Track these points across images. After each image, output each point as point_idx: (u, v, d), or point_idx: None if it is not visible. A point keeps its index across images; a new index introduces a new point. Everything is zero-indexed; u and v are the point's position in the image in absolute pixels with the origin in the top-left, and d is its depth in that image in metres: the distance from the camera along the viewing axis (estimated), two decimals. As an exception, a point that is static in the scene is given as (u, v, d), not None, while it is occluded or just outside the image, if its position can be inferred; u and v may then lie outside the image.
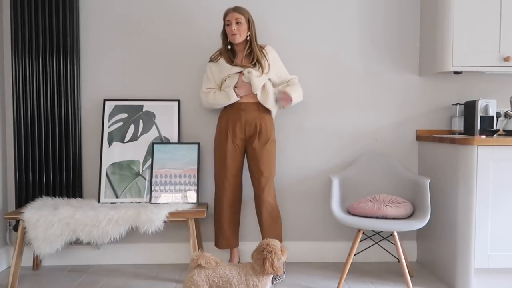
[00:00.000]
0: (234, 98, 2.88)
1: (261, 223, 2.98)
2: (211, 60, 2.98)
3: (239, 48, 2.92)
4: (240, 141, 2.93)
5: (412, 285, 2.73)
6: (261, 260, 2.18)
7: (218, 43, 3.17)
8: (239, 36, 2.83)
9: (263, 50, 2.92)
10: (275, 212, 2.97)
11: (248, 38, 2.88)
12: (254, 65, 2.87)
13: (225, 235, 3.01)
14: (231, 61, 2.90)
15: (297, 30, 3.21)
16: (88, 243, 2.83)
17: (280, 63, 3.00)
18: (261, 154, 2.91)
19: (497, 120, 3.07)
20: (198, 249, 2.88)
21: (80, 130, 3.17)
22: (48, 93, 3.08)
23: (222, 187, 2.96)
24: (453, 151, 2.79)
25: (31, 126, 3.08)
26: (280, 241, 3.00)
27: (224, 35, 2.91)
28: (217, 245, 3.05)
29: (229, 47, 2.92)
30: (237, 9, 2.84)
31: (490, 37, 2.94)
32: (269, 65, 2.91)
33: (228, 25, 2.84)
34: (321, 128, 3.26)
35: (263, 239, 2.97)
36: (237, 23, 2.81)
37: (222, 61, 2.93)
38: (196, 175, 3.05)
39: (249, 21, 2.86)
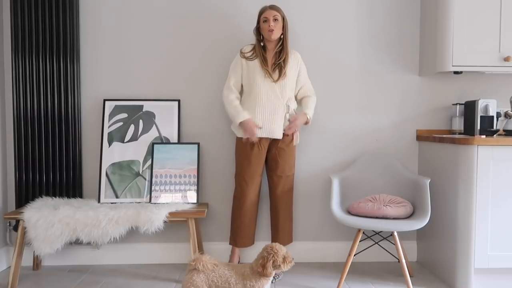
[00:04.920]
0: (236, 126, 2.93)
1: (276, 221, 3.02)
2: (245, 57, 2.95)
3: (271, 46, 2.94)
4: (265, 141, 2.95)
5: (412, 285, 2.73)
6: (259, 260, 2.19)
7: (218, 44, 3.18)
8: (276, 32, 2.86)
9: (298, 58, 2.99)
10: (290, 210, 3.07)
11: (282, 36, 2.91)
12: (280, 65, 2.89)
13: (245, 233, 3.01)
14: (264, 64, 2.89)
15: (296, 31, 3.21)
16: (88, 243, 2.84)
17: (305, 74, 3.05)
18: (285, 154, 2.95)
19: (497, 120, 3.07)
20: (198, 249, 2.88)
21: (80, 130, 3.17)
22: (48, 93, 3.08)
23: (245, 186, 2.95)
24: (453, 151, 2.79)
25: (31, 126, 3.08)
26: (291, 239, 3.06)
27: (257, 31, 2.93)
28: (234, 243, 3.03)
29: (262, 44, 2.93)
30: (274, 7, 2.89)
31: (490, 37, 2.94)
32: (297, 71, 2.98)
33: (265, 21, 2.86)
34: (321, 128, 3.26)
35: (273, 238, 3.02)
36: (275, 19, 2.85)
37: (256, 63, 2.91)
38: (196, 175, 3.05)
39: (283, 20, 2.90)
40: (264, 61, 2.90)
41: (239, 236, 3.01)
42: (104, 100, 3.16)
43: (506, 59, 2.93)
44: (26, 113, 3.08)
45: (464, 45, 2.93)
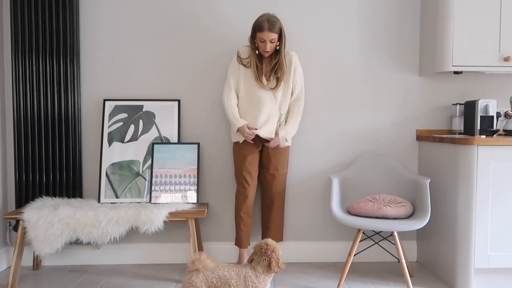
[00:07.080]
0: (235, 130, 2.95)
1: (267, 219, 3.03)
2: (242, 63, 2.93)
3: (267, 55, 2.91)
4: (258, 141, 2.97)
5: (412, 285, 2.73)
6: (266, 261, 2.22)
7: (218, 43, 3.18)
8: (270, 51, 2.85)
9: (292, 58, 2.93)
10: (282, 209, 3.09)
11: (278, 47, 2.86)
12: (276, 73, 2.88)
13: (248, 234, 3.04)
14: (259, 75, 2.89)
15: (297, 31, 3.21)
16: (88, 243, 2.84)
17: (300, 76, 2.99)
18: (277, 153, 2.97)
19: (497, 120, 3.07)
20: (198, 249, 2.88)
21: (80, 130, 3.17)
22: (48, 93, 3.08)
23: (245, 181, 2.97)
24: (453, 151, 2.79)
25: (31, 126, 3.08)
26: (281, 237, 3.09)
27: (252, 39, 2.87)
28: (240, 244, 3.05)
29: (257, 52, 2.90)
30: (272, 28, 2.77)
31: (490, 37, 2.94)
32: (292, 73, 2.94)
33: (262, 41, 2.80)
34: (321, 128, 3.26)
35: (263, 236, 3.03)
36: (272, 42, 2.81)
37: (250, 72, 2.91)
38: (196, 175, 3.05)
39: (280, 33, 2.83)
40: (258, 72, 2.89)
41: (243, 236, 3.02)
42: (104, 100, 3.16)
43: (506, 59, 2.93)
44: (26, 113, 3.08)
45: (464, 45, 2.93)
